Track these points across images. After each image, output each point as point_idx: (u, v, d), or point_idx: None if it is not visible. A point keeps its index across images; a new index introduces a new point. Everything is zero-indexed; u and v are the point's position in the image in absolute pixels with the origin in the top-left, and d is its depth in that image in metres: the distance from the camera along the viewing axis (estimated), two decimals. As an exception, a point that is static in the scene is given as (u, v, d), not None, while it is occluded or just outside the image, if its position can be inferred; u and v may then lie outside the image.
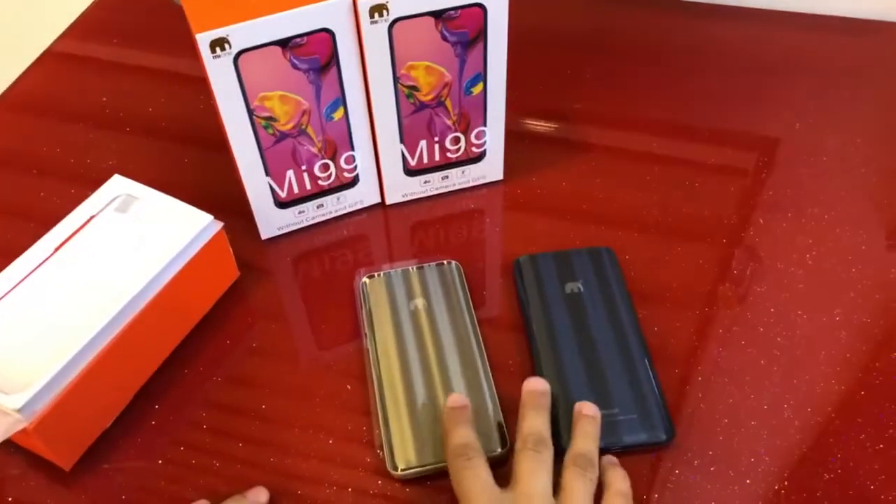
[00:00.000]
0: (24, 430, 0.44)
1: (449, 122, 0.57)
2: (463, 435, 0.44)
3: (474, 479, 0.42)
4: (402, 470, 0.45)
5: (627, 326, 0.51)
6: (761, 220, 0.59)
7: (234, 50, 0.48)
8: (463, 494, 0.41)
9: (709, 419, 0.48)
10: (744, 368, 0.50)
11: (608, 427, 0.46)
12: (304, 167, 0.56)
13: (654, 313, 0.53)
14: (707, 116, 0.67)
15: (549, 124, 0.68)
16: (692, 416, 0.48)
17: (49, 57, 0.77)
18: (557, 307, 0.52)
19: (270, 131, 0.53)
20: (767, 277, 0.55)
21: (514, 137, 0.62)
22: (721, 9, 0.77)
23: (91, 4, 0.82)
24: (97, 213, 0.53)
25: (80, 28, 0.80)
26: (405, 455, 0.46)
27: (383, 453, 0.46)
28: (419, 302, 0.53)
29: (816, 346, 0.51)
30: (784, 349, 0.51)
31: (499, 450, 0.46)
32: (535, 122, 0.68)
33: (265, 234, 0.59)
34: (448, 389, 0.48)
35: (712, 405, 0.49)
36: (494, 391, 0.49)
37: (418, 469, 0.45)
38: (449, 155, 0.60)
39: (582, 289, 0.53)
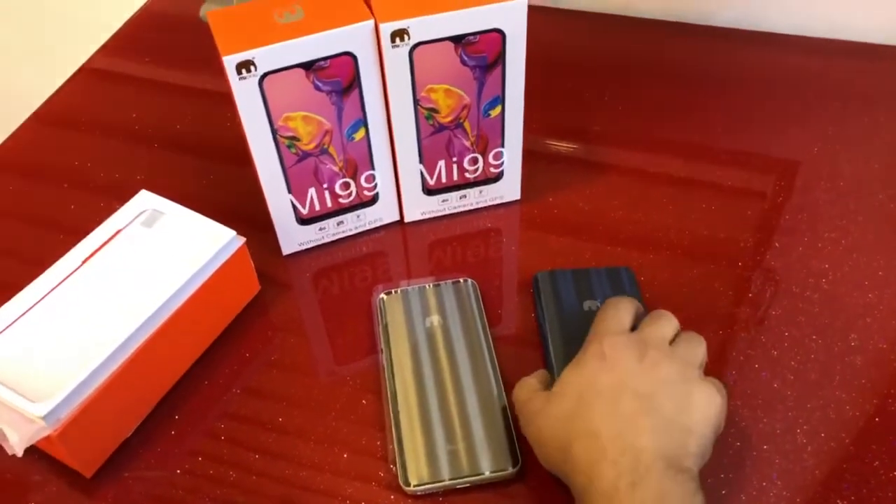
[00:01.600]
0: (47, 437, 0.45)
1: (467, 143, 0.58)
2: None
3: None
4: (414, 486, 0.46)
5: None
6: (777, 244, 0.59)
7: (260, 72, 0.49)
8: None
9: (720, 442, 0.48)
10: (757, 392, 0.51)
11: None
12: (325, 185, 0.57)
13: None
14: (725, 139, 0.68)
15: (567, 145, 0.69)
16: (704, 439, 0.48)
17: (83, 73, 0.79)
18: (575, 323, 0.52)
19: (293, 150, 0.54)
20: (782, 301, 0.55)
21: (532, 157, 0.63)
22: (740, 33, 0.78)
23: (125, 23, 0.85)
24: (124, 227, 0.55)
25: (114, 46, 0.82)
26: (418, 471, 0.47)
27: (396, 468, 0.47)
28: (435, 319, 0.54)
29: (831, 370, 0.51)
30: (798, 373, 0.51)
31: (510, 469, 0.46)
32: (553, 143, 0.68)
33: (286, 249, 0.60)
34: (462, 406, 0.49)
35: (725, 429, 0.49)
36: (508, 409, 0.49)
37: (430, 485, 0.46)
38: (467, 175, 0.60)
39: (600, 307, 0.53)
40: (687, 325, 0.54)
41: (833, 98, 0.71)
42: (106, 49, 0.82)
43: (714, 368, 0.52)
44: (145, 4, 0.87)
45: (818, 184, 0.64)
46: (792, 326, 0.54)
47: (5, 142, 0.73)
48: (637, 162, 0.66)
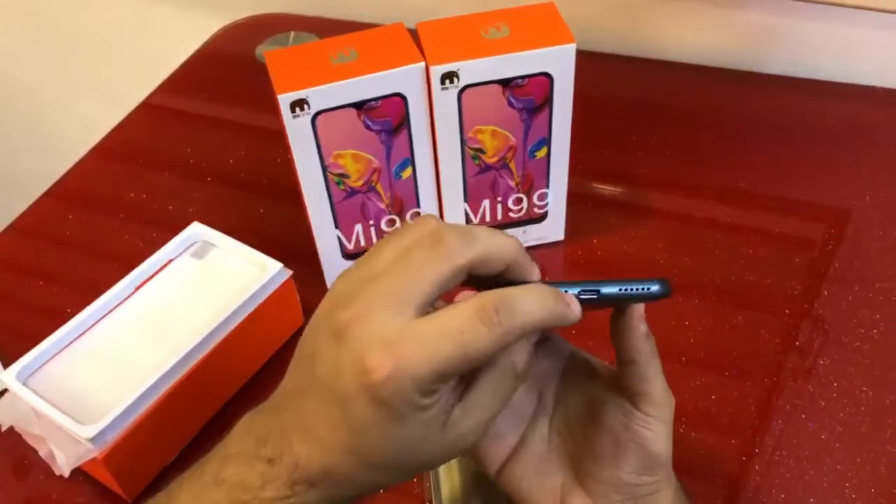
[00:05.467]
0: (93, 460, 0.46)
1: (512, 184, 0.59)
2: None
3: None
4: (450, 524, 0.46)
5: None
6: (826, 292, 0.58)
7: (313, 111, 0.51)
8: None
9: (765, 494, 0.47)
10: (803, 443, 0.49)
11: None
12: (371, 222, 0.58)
13: (713, 381, 0.53)
14: (773, 185, 0.67)
15: (612, 188, 0.69)
16: (748, 489, 0.47)
17: (143, 109, 0.82)
18: None
19: (342, 187, 0.56)
20: (831, 351, 0.54)
21: (577, 199, 0.63)
22: (789, 80, 0.77)
23: (185, 61, 0.88)
24: (175, 258, 0.57)
25: (173, 83, 0.86)
26: (454, 509, 0.46)
27: (433, 506, 0.47)
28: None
29: (882, 424, 0.50)
30: (847, 425, 0.50)
31: None
32: (598, 185, 0.69)
33: (331, 283, 0.61)
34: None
35: (770, 479, 0.48)
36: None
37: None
38: (511, 214, 0.61)
39: None
40: (731, 372, 0.54)
41: (884, 146, 0.70)
42: (166, 86, 0.85)
43: (759, 417, 0.51)
44: (205, 44, 0.90)
45: (869, 232, 0.62)
46: (841, 377, 0.53)
47: (68, 173, 0.75)
48: (682, 206, 0.66)
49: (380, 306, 0.30)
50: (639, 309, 0.36)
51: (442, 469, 0.48)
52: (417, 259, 0.31)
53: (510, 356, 0.33)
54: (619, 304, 0.36)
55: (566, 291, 0.33)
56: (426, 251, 0.31)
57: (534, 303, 0.31)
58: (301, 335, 0.34)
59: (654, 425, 0.36)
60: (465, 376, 0.33)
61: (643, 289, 0.34)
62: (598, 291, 0.34)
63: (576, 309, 0.33)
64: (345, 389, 0.30)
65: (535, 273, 0.34)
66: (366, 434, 0.31)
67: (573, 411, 0.39)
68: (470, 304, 0.30)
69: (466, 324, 0.30)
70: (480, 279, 0.32)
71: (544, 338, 0.40)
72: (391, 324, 0.30)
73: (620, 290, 0.34)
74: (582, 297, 0.33)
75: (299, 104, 0.50)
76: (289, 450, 0.32)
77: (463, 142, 0.56)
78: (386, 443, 0.31)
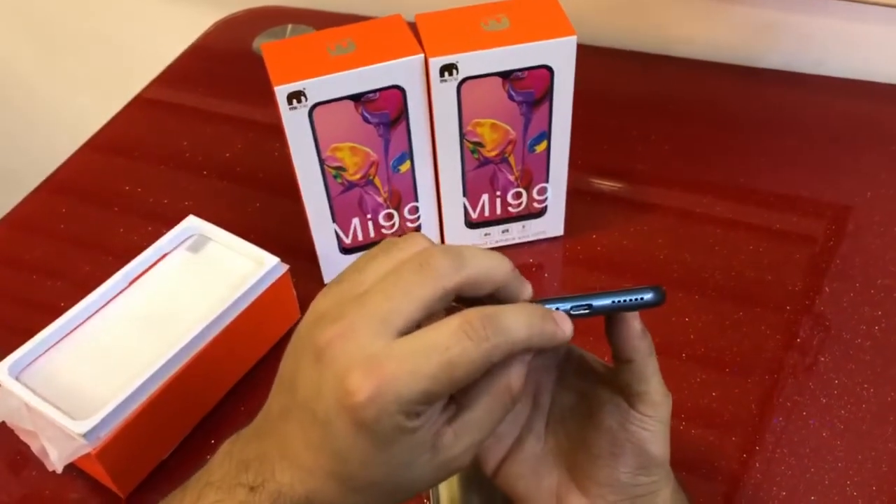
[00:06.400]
0: (86, 455, 0.46)
1: (512, 178, 0.58)
2: None
3: None
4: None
5: None
6: (827, 289, 0.58)
7: (310, 103, 0.50)
8: None
9: (766, 492, 0.47)
10: (804, 440, 0.49)
11: None
12: (369, 216, 0.58)
13: (714, 378, 0.52)
14: (774, 182, 0.67)
15: (612, 183, 0.68)
16: (749, 487, 0.47)
17: (138, 102, 0.82)
18: None
19: (339, 180, 0.55)
20: (832, 348, 0.54)
21: (577, 194, 0.62)
22: (789, 76, 0.77)
23: (180, 55, 0.87)
24: (171, 251, 0.56)
25: (170, 75, 0.85)
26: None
27: None
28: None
29: (883, 421, 0.50)
30: (848, 423, 0.50)
31: None
32: (598, 181, 0.68)
33: (328, 278, 0.61)
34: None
35: (770, 477, 0.47)
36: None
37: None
38: (510, 209, 0.60)
39: None
40: (732, 369, 0.53)
41: (886, 142, 0.70)
42: (162, 79, 0.84)
43: (760, 414, 0.50)
44: (201, 36, 0.90)
45: (870, 228, 0.62)
46: (842, 374, 0.52)
47: (62, 166, 0.75)
48: (682, 202, 0.66)
49: (363, 326, 0.29)
50: None
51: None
52: (404, 279, 0.30)
53: (506, 376, 0.32)
54: (615, 314, 0.35)
55: (557, 308, 0.33)
56: (414, 271, 0.30)
57: (521, 320, 0.30)
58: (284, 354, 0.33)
59: (651, 425, 0.35)
60: (455, 397, 0.31)
61: (636, 299, 0.33)
62: (590, 306, 0.33)
63: (566, 328, 0.32)
64: (326, 412, 0.29)
65: (527, 293, 0.33)
66: (349, 459, 0.30)
67: (570, 411, 0.39)
68: (454, 320, 0.29)
69: (451, 339, 0.29)
70: (469, 300, 0.31)
71: None
72: (374, 343, 0.28)
73: (613, 302, 0.33)
74: (573, 312, 0.33)
75: (296, 96, 0.50)
76: (271, 477, 0.31)
77: (462, 135, 0.55)
78: (371, 468, 0.30)
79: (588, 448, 0.37)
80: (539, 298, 0.33)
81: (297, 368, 0.30)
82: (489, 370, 0.31)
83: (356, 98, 0.51)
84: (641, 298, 0.33)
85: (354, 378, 0.28)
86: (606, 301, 0.33)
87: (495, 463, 0.39)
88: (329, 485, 0.30)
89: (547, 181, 0.59)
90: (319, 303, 0.31)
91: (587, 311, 0.33)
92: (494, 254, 0.32)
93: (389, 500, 0.32)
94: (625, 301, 0.33)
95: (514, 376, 0.32)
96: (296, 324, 0.57)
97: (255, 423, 0.33)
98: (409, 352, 0.28)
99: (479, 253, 0.31)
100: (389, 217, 0.59)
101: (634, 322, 0.35)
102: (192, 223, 0.57)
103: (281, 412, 0.32)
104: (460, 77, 0.52)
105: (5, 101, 1.28)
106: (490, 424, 0.32)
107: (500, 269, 0.31)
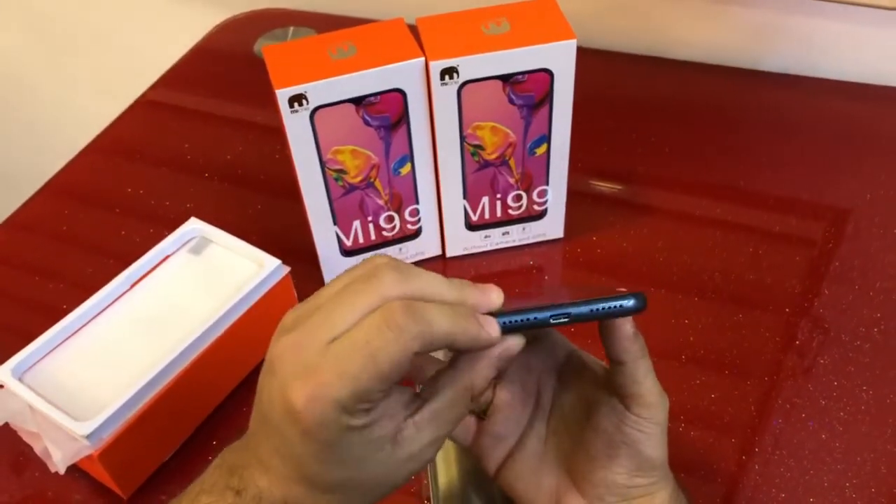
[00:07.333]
0: (89, 457, 0.46)
1: (512, 181, 0.59)
2: None
3: None
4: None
5: None
6: (827, 291, 0.58)
7: (311, 106, 0.50)
8: None
9: (765, 493, 0.47)
10: (803, 442, 0.49)
11: None
12: (370, 218, 0.58)
13: (713, 380, 0.53)
14: (774, 184, 0.67)
15: (612, 185, 0.68)
16: (748, 488, 0.47)
17: (140, 105, 0.82)
18: None
19: (340, 183, 0.55)
20: (831, 350, 0.54)
21: (577, 197, 0.63)
22: (789, 78, 0.77)
23: (182, 57, 0.88)
24: (172, 253, 0.56)
25: (171, 78, 0.85)
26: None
27: (431, 504, 0.47)
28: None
29: (882, 423, 0.50)
30: (847, 425, 0.50)
31: None
32: (598, 183, 0.68)
33: (329, 280, 0.61)
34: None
35: (769, 478, 0.48)
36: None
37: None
38: (510, 212, 0.61)
39: None
40: (731, 371, 0.53)
41: (884, 145, 0.70)
42: (164, 81, 0.85)
43: (759, 416, 0.51)
44: (203, 39, 0.90)
45: (870, 231, 0.62)
46: (841, 376, 0.52)
47: (64, 169, 0.75)
48: (682, 204, 0.66)
49: (307, 337, 0.30)
50: None
51: (440, 466, 0.48)
52: (350, 291, 0.31)
53: (470, 374, 0.33)
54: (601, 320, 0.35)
55: (535, 318, 0.33)
56: (360, 283, 0.31)
57: (444, 314, 0.31)
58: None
59: (646, 427, 0.36)
60: (420, 394, 0.33)
61: (616, 306, 0.33)
62: (568, 314, 0.33)
63: (491, 330, 0.32)
64: (278, 421, 0.31)
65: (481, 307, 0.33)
66: (307, 463, 0.31)
67: (570, 412, 0.39)
68: (377, 313, 0.30)
69: (372, 333, 0.29)
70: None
71: (542, 336, 0.40)
72: (314, 353, 0.30)
73: (591, 310, 0.33)
74: (553, 321, 0.33)
75: (298, 99, 0.50)
76: (252, 482, 0.32)
77: (462, 138, 0.55)
78: (330, 468, 0.31)
79: (586, 449, 0.37)
80: (515, 307, 0.33)
81: (261, 382, 0.32)
82: (456, 365, 0.32)
83: (357, 101, 0.51)
84: (621, 306, 0.33)
85: (293, 387, 0.30)
86: (584, 309, 0.33)
87: (497, 462, 0.39)
88: (298, 488, 0.32)
89: (547, 184, 0.59)
90: (284, 319, 0.33)
91: (566, 320, 0.33)
92: (443, 279, 0.32)
93: (366, 498, 0.33)
94: (604, 308, 0.33)
95: (479, 376, 0.33)
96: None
97: (245, 435, 0.35)
98: (338, 353, 0.29)
99: (428, 274, 0.32)
100: (390, 219, 0.59)
101: (625, 324, 0.35)
102: (193, 225, 0.57)
103: (255, 422, 0.33)
104: (461, 80, 0.52)
105: (8, 102, 1.28)
106: (452, 419, 0.33)
107: (447, 291, 0.32)
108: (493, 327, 0.32)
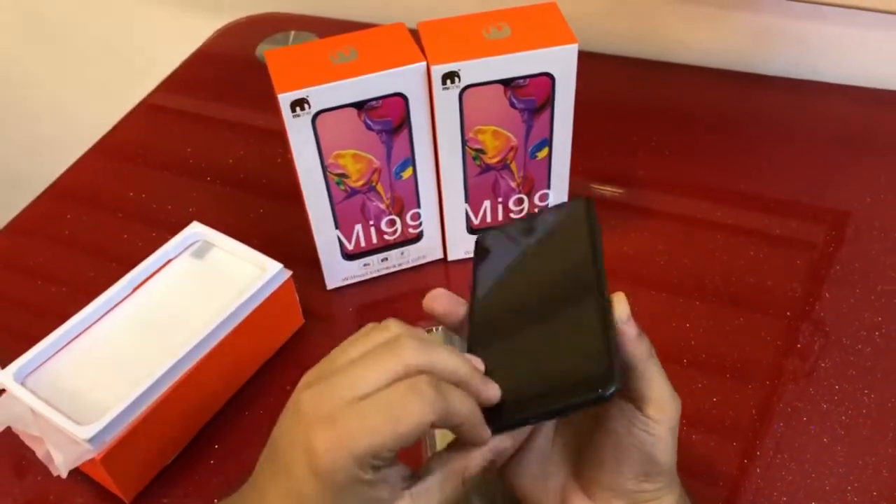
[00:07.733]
0: (91, 460, 0.46)
1: (513, 184, 0.59)
2: None
3: None
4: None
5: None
6: (828, 294, 0.58)
7: (313, 110, 0.51)
8: None
9: (766, 497, 0.47)
10: (805, 446, 0.49)
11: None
12: (371, 222, 0.58)
13: (714, 383, 0.53)
14: (774, 187, 0.67)
15: (612, 189, 0.69)
16: (750, 492, 0.47)
17: (143, 109, 0.82)
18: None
19: (342, 187, 0.55)
20: (833, 353, 0.54)
21: (578, 201, 0.63)
22: (790, 82, 0.77)
23: (184, 61, 0.88)
24: (175, 257, 0.56)
25: (173, 82, 0.85)
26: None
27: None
28: (476, 359, 0.54)
29: (884, 426, 0.50)
30: (849, 428, 0.50)
31: None
32: (598, 186, 0.68)
33: (330, 284, 0.61)
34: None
35: (771, 482, 0.48)
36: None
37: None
38: (512, 215, 0.61)
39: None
40: (732, 374, 0.53)
41: (885, 147, 0.70)
42: (166, 85, 0.85)
43: (760, 420, 0.51)
44: (205, 43, 0.90)
45: (870, 234, 0.62)
46: (843, 380, 0.52)
47: (66, 172, 0.75)
48: (683, 208, 0.66)
49: (335, 391, 0.33)
50: (624, 312, 0.36)
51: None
52: (375, 354, 0.34)
53: (464, 460, 0.35)
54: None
55: (523, 419, 0.35)
56: (384, 349, 0.34)
57: (462, 402, 0.34)
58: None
59: (657, 429, 0.36)
60: (417, 472, 0.35)
61: (579, 402, 0.34)
62: (532, 418, 0.35)
63: (486, 436, 0.35)
64: (293, 461, 0.33)
65: (490, 395, 0.35)
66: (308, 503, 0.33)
67: (580, 414, 0.39)
68: (405, 382, 0.33)
69: (399, 397, 0.32)
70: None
71: None
72: (340, 404, 0.32)
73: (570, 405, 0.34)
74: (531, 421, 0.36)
75: (300, 104, 0.50)
76: None
77: (464, 142, 0.55)
78: None
79: (594, 452, 0.37)
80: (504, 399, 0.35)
81: (280, 427, 0.35)
82: (453, 449, 0.36)
83: (359, 105, 0.52)
84: (592, 398, 0.33)
85: (318, 431, 0.32)
86: (553, 407, 0.34)
87: (503, 460, 0.39)
88: None
89: (548, 187, 0.59)
90: (307, 376, 0.35)
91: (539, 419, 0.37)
92: (459, 354, 0.35)
93: None
94: (581, 402, 0.34)
95: (473, 462, 0.35)
96: (299, 329, 0.57)
97: (248, 481, 0.37)
98: (365, 411, 0.32)
99: (445, 348, 0.35)
100: (392, 223, 0.59)
101: (628, 328, 0.35)
102: (195, 229, 0.57)
103: (262, 467, 0.35)
104: (462, 84, 0.52)
105: (9, 105, 1.29)
106: (441, 498, 0.35)
107: (461, 367, 0.34)
108: (487, 434, 0.35)
